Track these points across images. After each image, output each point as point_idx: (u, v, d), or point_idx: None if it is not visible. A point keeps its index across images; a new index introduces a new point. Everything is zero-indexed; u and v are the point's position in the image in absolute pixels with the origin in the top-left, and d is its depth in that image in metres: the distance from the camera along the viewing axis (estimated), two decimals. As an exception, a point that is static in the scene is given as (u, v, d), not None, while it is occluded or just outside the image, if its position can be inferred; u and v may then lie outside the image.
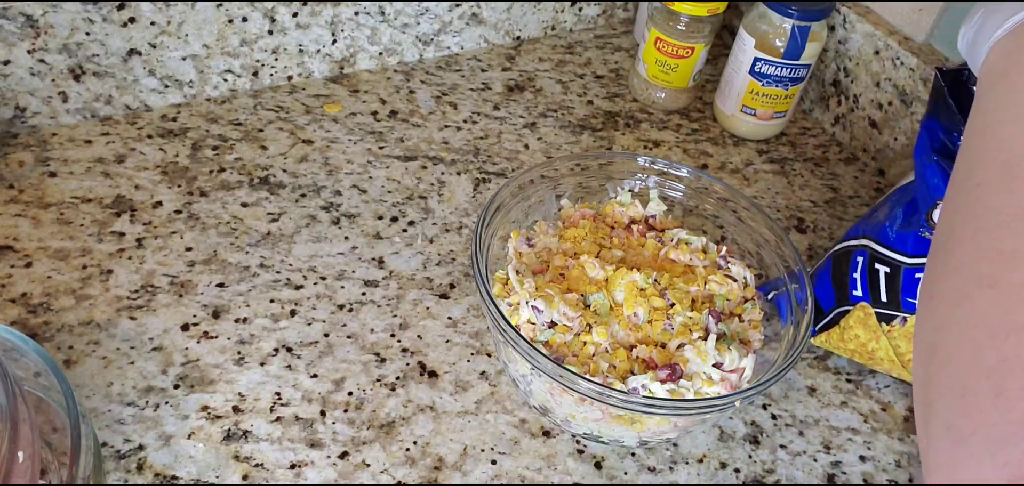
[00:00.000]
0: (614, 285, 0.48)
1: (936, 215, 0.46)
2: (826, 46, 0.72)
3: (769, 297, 0.51)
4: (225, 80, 0.66)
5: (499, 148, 0.67)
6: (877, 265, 0.49)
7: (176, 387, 0.47)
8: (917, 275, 0.48)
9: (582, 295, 0.48)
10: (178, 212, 0.57)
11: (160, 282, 0.52)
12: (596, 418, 0.44)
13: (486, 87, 0.73)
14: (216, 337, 0.49)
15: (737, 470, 0.48)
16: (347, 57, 0.70)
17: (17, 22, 0.55)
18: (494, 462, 0.46)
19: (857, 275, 0.50)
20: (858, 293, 0.50)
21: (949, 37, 0.65)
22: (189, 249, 0.54)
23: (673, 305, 0.48)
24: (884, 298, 0.49)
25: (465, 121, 0.69)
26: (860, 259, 0.50)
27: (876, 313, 0.50)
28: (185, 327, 0.50)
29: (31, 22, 0.56)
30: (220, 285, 0.52)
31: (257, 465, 0.44)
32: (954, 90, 0.45)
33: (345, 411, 0.47)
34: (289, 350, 0.50)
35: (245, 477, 0.43)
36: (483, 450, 0.46)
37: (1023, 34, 0.33)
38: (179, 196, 0.58)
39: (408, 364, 0.50)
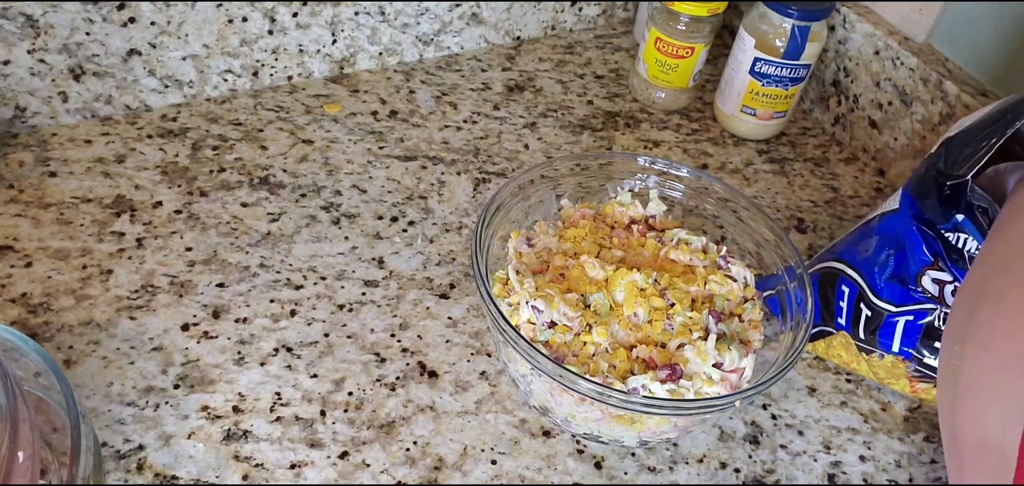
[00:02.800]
0: (614, 285, 0.48)
1: (925, 280, 0.48)
2: (826, 46, 0.72)
3: (763, 295, 0.51)
4: (225, 80, 0.66)
5: (499, 148, 0.67)
6: (862, 304, 0.50)
7: (176, 387, 0.47)
8: (894, 320, 0.49)
9: (582, 295, 0.48)
10: (178, 212, 0.57)
11: (160, 282, 0.52)
12: (596, 418, 0.44)
13: (486, 87, 0.73)
14: (216, 337, 0.49)
15: (737, 470, 0.48)
16: (347, 57, 0.70)
17: (17, 22, 0.55)
18: (494, 462, 0.46)
19: (843, 304, 0.51)
20: (842, 321, 0.51)
21: (949, 37, 0.65)
22: (189, 249, 0.54)
23: (673, 305, 0.48)
24: (862, 336, 0.50)
25: (465, 121, 0.69)
26: (846, 289, 0.51)
27: (856, 345, 0.51)
28: (185, 327, 0.50)
29: (31, 22, 0.56)
30: (220, 285, 0.52)
31: (257, 465, 0.44)
32: (940, 189, 0.46)
33: (345, 411, 0.47)
34: (289, 350, 0.50)
35: (245, 477, 0.43)
36: (483, 450, 0.46)
37: None
38: (179, 196, 0.58)
39: (408, 364, 0.50)
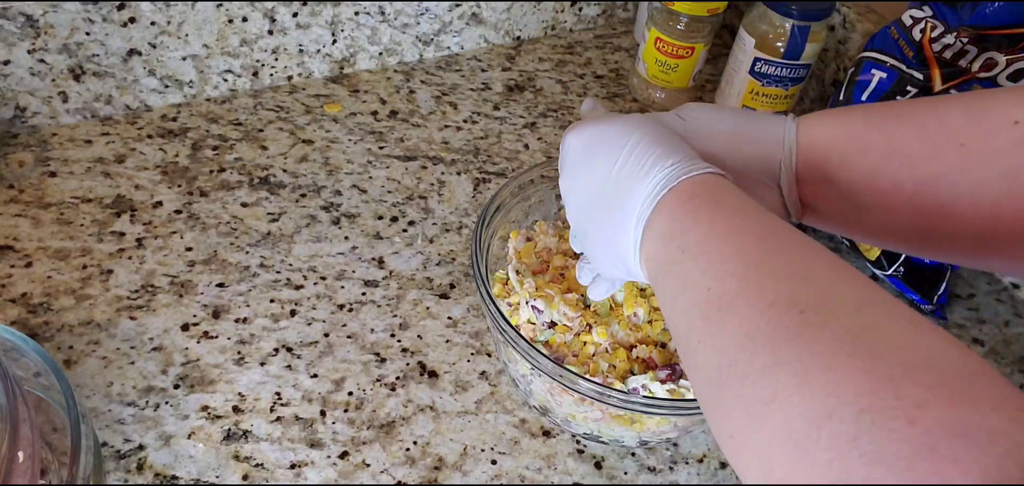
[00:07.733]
0: (614, 285, 0.48)
1: None
2: (826, 46, 0.72)
3: None
4: (225, 80, 0.66)
5: (499, 148, 0.67)
6: None
7: (176, 387, 0.47)
8: None
9: (582, 295, 0.48)
10: (178, 212, 0.57)
11: (160, 282, 0.52)
12: (596, 418, 0.44)
13: (486, 87, 0.73)
14: (216, 337, 0.49)
15: (737, 470, 0.48)
16: (347, 57, 0.70)
17: (17, 22, 0.55)
18: (494, 462, 0.46)
19: None
20: None
21: (949, 37, 0.65)
22: (189, 249, 0.54)
23: (673, 305, 0.48)
24: None
25: (465, 121, 0.69)
26: None
27: None
28: (185, 327, 0.50)
29: (31, 22, 0.56)
30: (220, 285, 0.52)
31: (257, 465, 0.44)
32: None
33: (345, 411, 0.47)
34: (289, 350, 0.50)
35: (245, 477, 0.43)
36: (483, 450, 0.46)
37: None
38: (179, 196, 0.58)
39: (408, 364, 0.50)
